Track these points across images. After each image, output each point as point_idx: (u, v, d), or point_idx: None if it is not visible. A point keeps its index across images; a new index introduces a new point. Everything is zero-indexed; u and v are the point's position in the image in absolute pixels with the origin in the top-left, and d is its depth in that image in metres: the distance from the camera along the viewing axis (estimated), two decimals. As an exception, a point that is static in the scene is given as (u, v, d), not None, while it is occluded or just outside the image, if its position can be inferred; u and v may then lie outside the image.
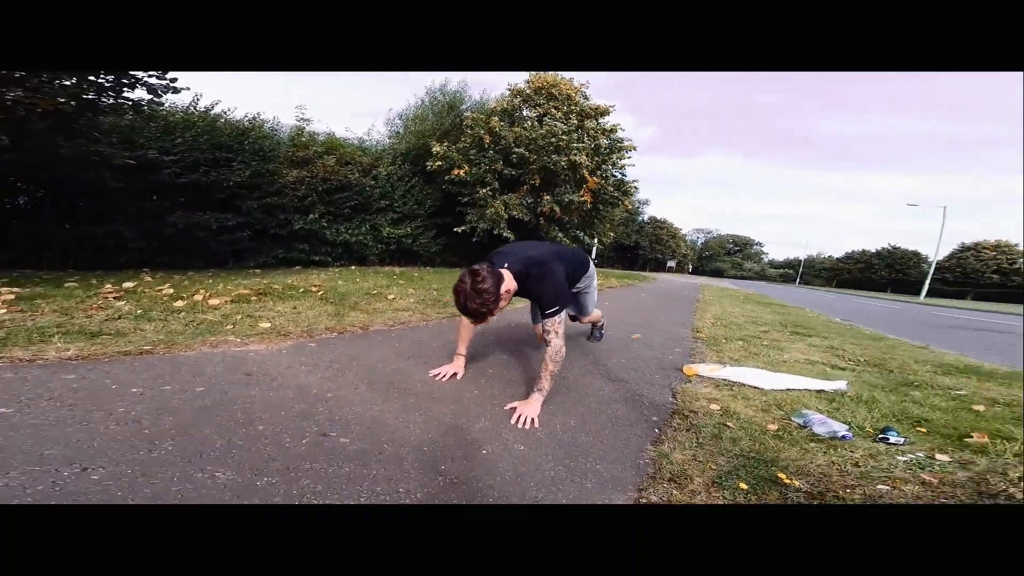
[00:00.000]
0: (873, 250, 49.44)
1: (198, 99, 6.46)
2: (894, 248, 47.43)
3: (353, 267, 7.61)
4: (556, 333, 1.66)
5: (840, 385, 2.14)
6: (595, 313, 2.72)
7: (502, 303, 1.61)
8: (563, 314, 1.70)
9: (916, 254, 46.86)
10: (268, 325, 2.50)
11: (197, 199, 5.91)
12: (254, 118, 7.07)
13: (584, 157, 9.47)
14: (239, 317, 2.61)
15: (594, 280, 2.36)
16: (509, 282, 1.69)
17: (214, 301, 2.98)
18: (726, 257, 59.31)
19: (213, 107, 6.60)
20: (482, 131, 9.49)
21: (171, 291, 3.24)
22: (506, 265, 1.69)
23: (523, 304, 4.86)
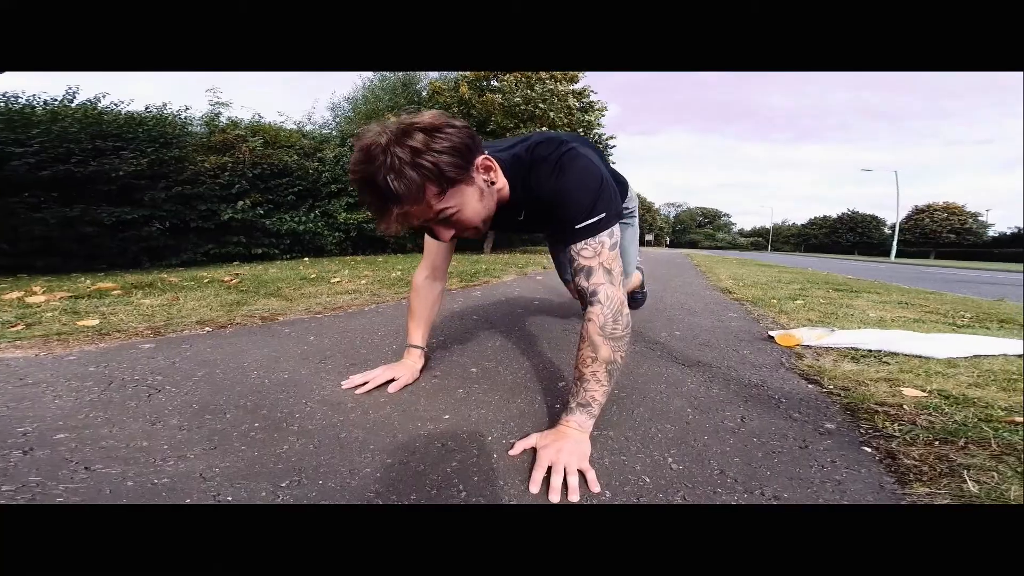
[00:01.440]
0: (835, 215, 51.28)
1: (75, 93, 5.64)
2: (854, 213, 49.33)
3: (306, 259, 6.54)
4: (607, 271, 0.75)
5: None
6: (636, 275, 1.75)
7: (462, 187, 0.72)
8: (617, 233, 0.78)
9: (875, 217, 48.93)
10: (95, 323, 1.48)
11: (77, 192, 4.91)
12: (160, 108, 6.31)
13: (562, 116, 8.72)
14: (50, 315, 1.57)
15: (636, 214, 1.39)
16: (498, 174, 0.79)
17: (37, 299, 1.91)
18: (698, 229, 60.40)
19: (99, 100, 5.75)
20: (449, 99, 8.57)
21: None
22: (486, 153, 0.77)
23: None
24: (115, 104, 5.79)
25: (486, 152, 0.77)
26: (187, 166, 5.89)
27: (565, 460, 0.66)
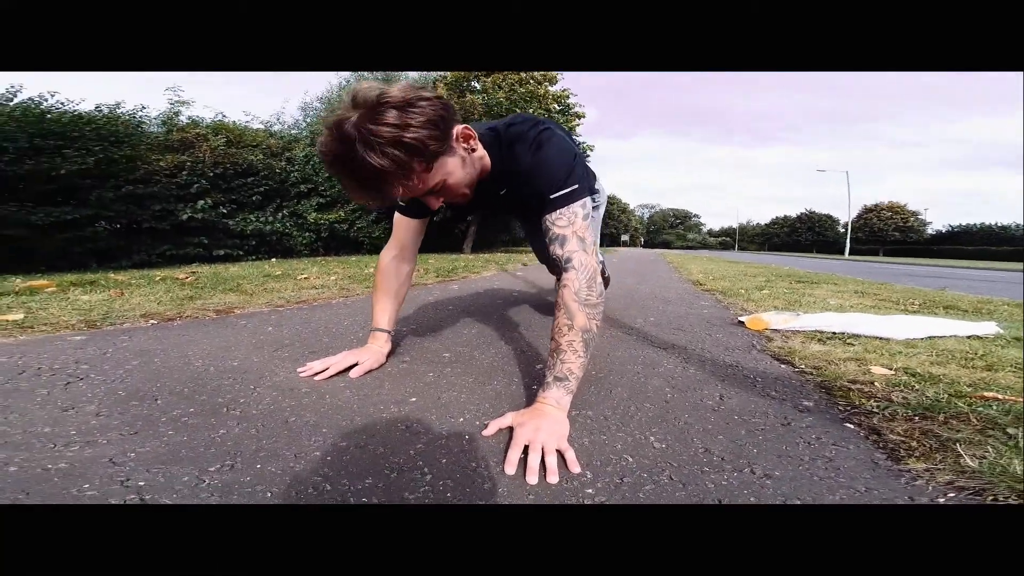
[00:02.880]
0: (794, 215, 54.15)
1: (16, 91, 5.28)
2: (812, 212, 52.25)
3: (274, 259, 6.26)
4: (581, 239, 0.77)
5: (989, 327, 1.43)
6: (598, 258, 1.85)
7: (445, 158, 0.73)
8: (589, 204, 0.81)
9: (830, 216, 51.98)
10: (19, 316, 1.32)
11: (8, 193, 4.60)
12: (113, 107, 6.01)
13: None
14: (-36, 310, 1.39)
15: (603, 208, 1.50)
16: (477, 142, 0.80)
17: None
18: (670, 230, 62.30)
19: (45, 100, 5.40)
20: None
21: None
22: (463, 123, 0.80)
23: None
24: (62, 103, 5.46)
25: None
26: (139, 165, 5.62)
27: (543, 439, 0.62)
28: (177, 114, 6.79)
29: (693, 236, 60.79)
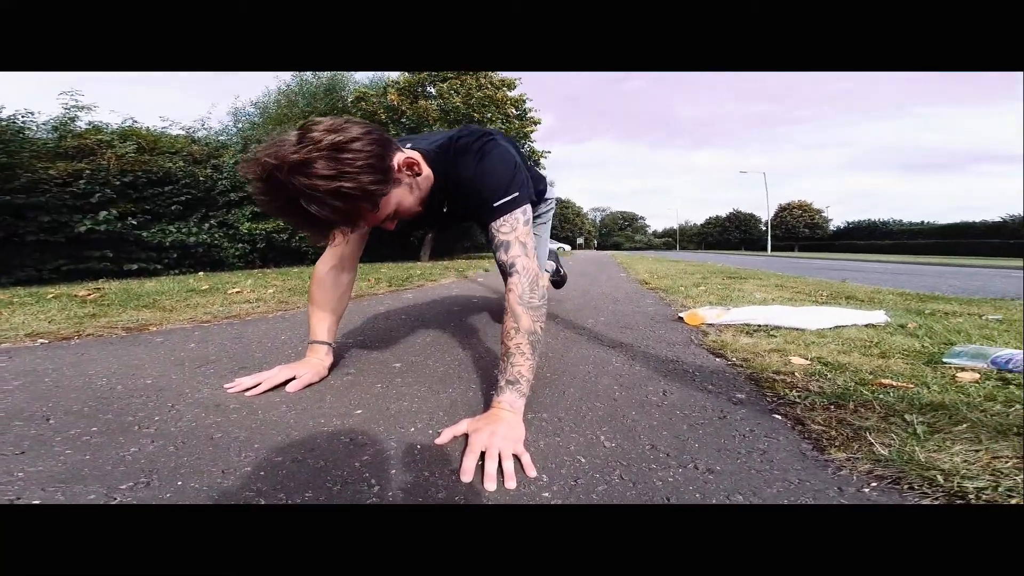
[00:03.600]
0: (724, 215, 59.06)
1: None
2: (738, 212, 57.32)
3: (201, 273, 5.65)
4: (523, 245, 0.79)
5: (880, 316, 1.65)
6: (550, 264, 1.92)
7: (391, 192, 0.72)
8: (529, 211, 0.84)
9: (753, 215, 57.29)
10: None
11: None
12: None
13: (499, 123, 8.73)
14: None
15: (552, 211, 1.55)
16: (422, 166, 0.79)
17: None
18: (619, 232, 65.26)
19: None
20: (374, 106, 8.20)
21: None
22: (408, 146, 0.81)
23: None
24: None
25: (402, 147, 0.78)
26: (19, 174, 5.06)
27: (499, 444, 0.62)
28: (73, 119, 6.20)
29: (640, 237, 64.28)
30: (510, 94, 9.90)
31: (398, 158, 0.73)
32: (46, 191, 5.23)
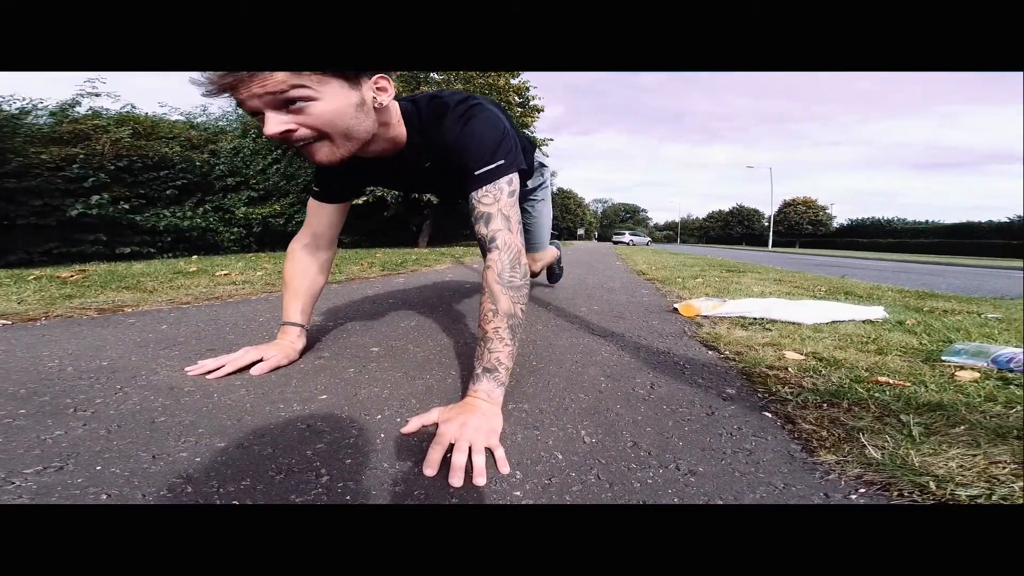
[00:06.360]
0: (727, 210, 58.72)
1: None
2: (741, 207, 56.96)
3: (194, 257, 5.59)
4: (506, 218, 0.73)
5: (878, 312, 1.61)
6: (551, 249, 1.80)
7: (343, 95, 0.64)
8: (516, 181, 0.76)
9: (756, 211, 56.98)
10: None
11: None
12: None
13: None
14: None
15: (550, 189, 1.46)
16: (389, 96, 0.72)
17: None
18: (620, 224, 64.98)
19: None
20: None
21: None
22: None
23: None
24: None
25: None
26: (10, 158, 5.11)
27: (470, 436, 0.57)
28: (72, 105, 6.21)
29: (641, 230, 64.32)
30: (513, 81, 9.70)
31: (376, 76, 0.67)
32: (38, 175, 5.28)
